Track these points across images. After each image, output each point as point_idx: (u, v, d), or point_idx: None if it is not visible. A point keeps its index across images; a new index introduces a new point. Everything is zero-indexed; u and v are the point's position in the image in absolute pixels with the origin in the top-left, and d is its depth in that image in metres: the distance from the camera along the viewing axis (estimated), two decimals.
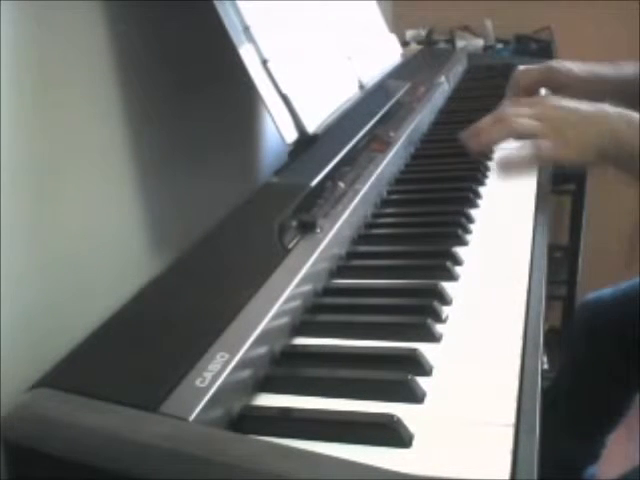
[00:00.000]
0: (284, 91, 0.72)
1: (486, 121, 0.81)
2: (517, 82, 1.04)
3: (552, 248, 1.73)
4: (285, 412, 0.43)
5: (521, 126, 0.78)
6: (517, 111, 0.81)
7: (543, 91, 1.05)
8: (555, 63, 1.03)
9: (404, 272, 0.61)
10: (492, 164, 0.85)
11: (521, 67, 1.17)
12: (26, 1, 0.49)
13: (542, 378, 0.45)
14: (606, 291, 1.16)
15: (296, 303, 0.52)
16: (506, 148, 0.81)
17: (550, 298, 1.75)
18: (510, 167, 0.77)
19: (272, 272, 0.52)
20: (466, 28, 1.87)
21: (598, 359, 1.12)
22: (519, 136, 0.79)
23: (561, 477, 1.16)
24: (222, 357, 0.43)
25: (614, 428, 1.18)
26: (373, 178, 0.73)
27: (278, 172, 0.72)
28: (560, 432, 1.10)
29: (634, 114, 0.77)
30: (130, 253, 0.61)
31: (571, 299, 1.82)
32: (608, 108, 0.79)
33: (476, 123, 0.82)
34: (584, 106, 0.80)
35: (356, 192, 0.69)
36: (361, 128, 0.83)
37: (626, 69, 1.00)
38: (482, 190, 0.78)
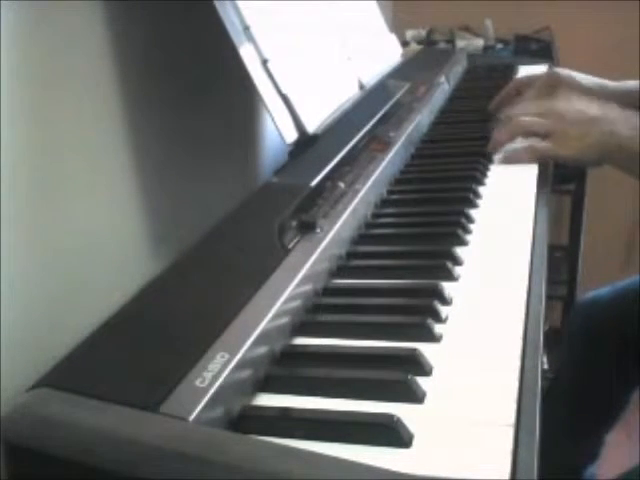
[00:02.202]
0: (284, 91, 0.72)
1: (500, 125, 0.90)
2: (516, 86, 1.04)
3: (552, 248, 1.73)
4: (285, 412, 0.43)
5: (527, 123, 0.85)
6: (524, 109, 0.89)
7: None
8: (559, 70, 1.02)
9: (404, 272, 0.61)
10: (492, 165, 0.85)
11: (522, 71, 1.17)
12: (26, 1, 0.49)
13: (542, 378, 0.45)
14: (603, 290, 1.16)
15: (296, 303, 0.52)
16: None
17: (550, 298, 1.75)
18: (511, 162, 0.85)
19: (272, 272, 0.52)
20: (466, 28, 1.87)
21: (596, 358, 1.12)
22: (525, 134, 0.86)
23: (560, 477, 1.15)
24: (222, 357, 0.43)
25: (612, 426, 1.18)
26: (373, 178, 0.73)
27: (278, 172, 0.72)
28: (559, 431, 1.09)
29: (636, 117, 0.81)
30: (130, 253, 0.61)
31: (571, 299, 1.82)
32: (615, 110, 0.83)
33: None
34: (592, 107, 0.85)
35: (356, 192, 0.69)
36: (361, 128, 0.83)
37: (629, 84, 1.00)
38: (482, 190, 0.78)
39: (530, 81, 1.03)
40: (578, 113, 0.84)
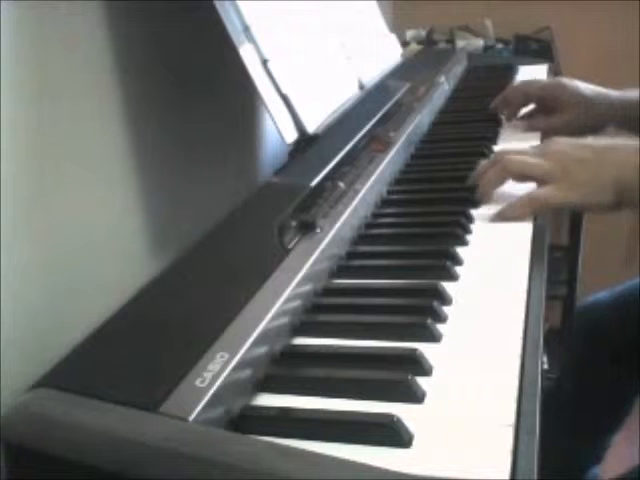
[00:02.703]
0: (284, 91, 0.72)
1: (484, 166, 0.75)
2: (520, 88, 1.03)
3: (552, 248, 1.73)
4: (285, 412, 0.43)
5: (523, 166, 0.70)
6: (517, 151, 0.73)
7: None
8: (565, 80, 1.00)
9: (404, 272, 0.61)
10: None
11: (522, 71, 1.17)
12: (26, 1, 0.49)
13: (542, 378, 0.45)
14: (604, 294, 1.16)
15: (296, 303, 0.52)
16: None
17: (550, 298, 1.75)
18: (507, 219, 0.69)
19: (272, 272, 0.52)
20: (466, 28, 1.87)
21: (598, 361, 1.12)
22: (518, 176, 0.71)
23: (564, 478, 1.15)
24: (222, 357, 0.43)
25: (617, 429, 1.18)
26: (373, 178, 0.73)
27: (278, 172, 0.72)
28: (563, 433, 1.09)
29: None
30: (130, 253, 0.61)
31: (571, 299, 1.81)
32: (625, 140, 0.70)
33: (478, 169, 0.76)
34: (598, 141, 0.72)
35: (356, 192, 0.69)
36: (361, 128, 0.83)
37: (631, 93, 0.99)
38: None
39: (533, 87, 1.02)
40: (582, 149, 0.69)
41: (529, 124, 1.00)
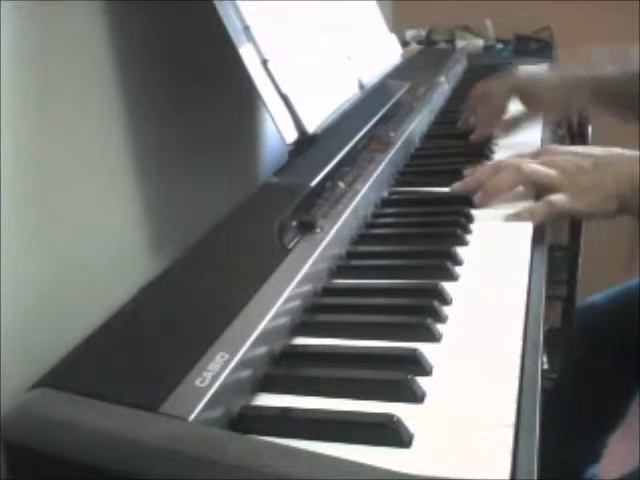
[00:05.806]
0: (284, 91, 0.72)
1: (486, 171, 0.75)
2: (483, 97, 0.97)
3: (552, 248, 1.73)
4: (285, 412, 0.43)
5: (534, 173, 0.71)
6: (524, 160, 0.74)
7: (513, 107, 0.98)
8: (522, 76, 0.96)
9: (404, 272, 0.61)
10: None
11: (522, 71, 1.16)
12: (26, 1, 0.49)
13: (542, 378, 0.45)
14: (603, 294, 1.17)
15: (296, 303, 0.52)
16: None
17: (550, 298, 1.75)
18: (521, 218, 0.69)
19: (272, 272, 0.52)
20: (466, 28, 1.87)
21: (598, 361, 1.13)
22: (529, 183, 0.72)
23: (562, 477, 1.16)
24: (222, 357, 0.43)
25: (615, 429, 1.18)
26: (373, 178, 0.73)
27: (278, 172, 0.72)
28: (561, 432, 1.10)
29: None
30: (130, 253, 0.61)
31: (571, 299, 1.81)
32: (621, 150, 0.73)
33: (471, 174, 0.76)
34: (596, 150, 0.74)
35: (356, 192, 0.69)
36: (361, 128, 0.83)
37: (607, 70, 0.94)
38: None
39: (488, 91, 0.98)
40: (584, 158, 0.72)
41: (506, 124, 0.97)
